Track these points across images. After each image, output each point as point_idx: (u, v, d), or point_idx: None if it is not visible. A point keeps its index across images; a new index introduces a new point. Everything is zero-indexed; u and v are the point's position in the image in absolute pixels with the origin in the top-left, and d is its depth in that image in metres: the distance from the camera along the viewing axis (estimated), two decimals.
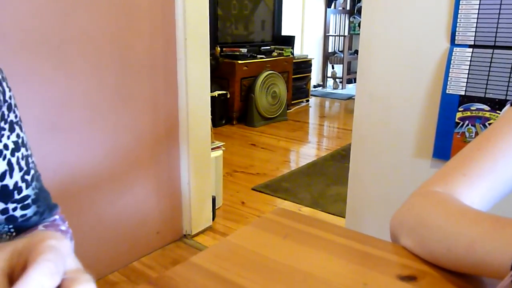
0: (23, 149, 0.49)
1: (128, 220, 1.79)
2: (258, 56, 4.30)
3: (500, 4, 1.04)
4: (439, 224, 0.48)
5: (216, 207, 2.27)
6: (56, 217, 0.57)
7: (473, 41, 1.10)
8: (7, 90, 0.47)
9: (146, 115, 1.78)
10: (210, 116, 2.05)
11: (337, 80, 6.28)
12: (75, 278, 0.27)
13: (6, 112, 0.47)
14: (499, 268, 0.39)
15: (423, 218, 0.51)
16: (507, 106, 0.55)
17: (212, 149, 2.15)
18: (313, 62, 5.30)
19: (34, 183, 0.51)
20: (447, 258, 0.46)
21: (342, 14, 6.51)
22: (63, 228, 0.56)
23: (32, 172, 0.51)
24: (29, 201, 0.50)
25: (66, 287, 0.26)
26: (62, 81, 1.47)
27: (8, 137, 0.47)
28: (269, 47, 4.62)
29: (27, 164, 0.50)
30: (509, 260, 0.38)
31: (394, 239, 0.56)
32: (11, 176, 0.48)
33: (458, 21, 1.10)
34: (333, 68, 6.36)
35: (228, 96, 4.05)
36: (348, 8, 6.54)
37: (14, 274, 0.27)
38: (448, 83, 1.14)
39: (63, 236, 0.30)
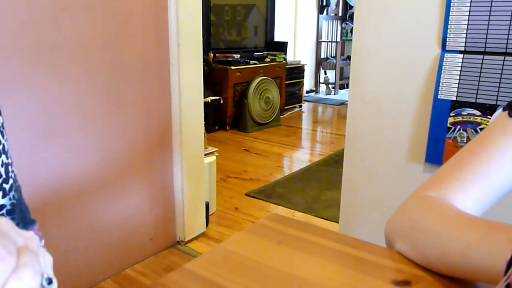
0: (3, 156, 0.47)
1: (121, 227, 1.78)
2: (251, 61, 4.31)
3: (490, 11, 1.06)
4: (433, 229, 0.48)
5: (210, 213, 2.26)
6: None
7: (463, 47, 1.11)
8: None
9: (138, 120, 1.77)
10: (203, 122, 2.05)
11: (329, 85, 6.31)
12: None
13: None
14: (493, 274, 0.39)
15: (417, 223, 0.51)
16: (499, 111, 0.55)
17: (205, 154, 2.14)
18: (305, 67, 5.32)
19: (12, 193, 0.48)
20: (442, 263, 0.46)
21: (334, 20, 6.55)
22: None
23: (11, 181, 0.48)
24: (3, 211, 0.47)
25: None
26: (54, 87, 1.46)
27: None
28: (262, 53, 4.64)
29: (6, 172, 0.47)
30: (502, 266, 0.38)
31: (389, 243, 0.56)
32: None
33: (449, 27, 1.12)
34: (325, 73, 6.39)
35: (221, 101, 4.05)
36: (340, 14, 6.59)
37: None
38: (440, 89, 1.15)
39: (32, 235, 0.28)
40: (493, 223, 0.43)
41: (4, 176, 0.47)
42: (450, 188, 0.52)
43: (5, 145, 0.47)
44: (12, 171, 0.49)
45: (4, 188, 0.47)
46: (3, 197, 0.47)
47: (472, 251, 0.42)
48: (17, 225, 0.49)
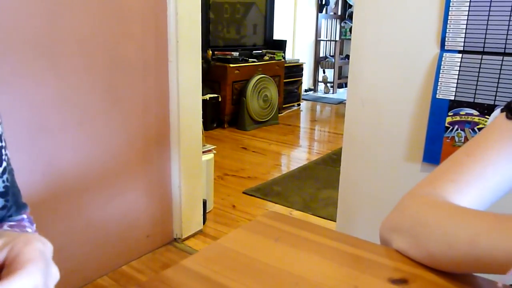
0: None
1: (117, 224, 1.78)
2: (249, 59, 4.31)
3: (489, 11, 1.06)
4: (438, 222, 0.47)
5: (207, 211, 2.26)
6: (24, 216, 0.54)
7: (462, 47, 1.11)
8: None
9: (136, 117, 1.77)
10: (201, 119, 2.05)
11: (328, 84, 6.31)
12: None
13: None
14: (506, 261, 0.38)
15: (419, 219, 0.50)
16: (497, 112, 0.55)
17: (203, 152, 2.14)
18: (304, 66, 5.32)
19: (5, 176, 0.49)
20: (447, 256, 0.45)
21: (333, 19, 6.55)
22: (29, 230, 0.52)
23: (4, 164, 0.48)
24: None
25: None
26: (52, 82, 1.45)
27: None
28: (260, 51, 4.63)
29: (0, 155, 0.48)
30: None
31: (384, 244, 0.56)
32: None
33: (448, 27, 1.12)
34: (324, 72, 6.39)
35: (220, 99, 4.05)
36: (339, 13, 6.59)
37: None
38: (438, 88, 1.15)
39: (46, 240, 0.29)
40: (498, 214, 0.42)
41: None
42: (445, 190, 0.52)
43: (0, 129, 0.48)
44: (6, 154, 0.49)
45: None
46: None
47: (482, 239, 0.41)
48: (11, 207, 0.50)
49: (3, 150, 0.49)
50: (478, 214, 0.45)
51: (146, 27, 1.73)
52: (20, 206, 0.53)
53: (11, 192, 0.50)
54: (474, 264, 0.42)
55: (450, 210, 0.48)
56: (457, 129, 1.14)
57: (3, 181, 0.48)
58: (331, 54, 6.47)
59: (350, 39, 1.33)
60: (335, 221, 1.48)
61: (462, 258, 0.43)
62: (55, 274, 0.29)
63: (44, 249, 0.27)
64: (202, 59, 1.98)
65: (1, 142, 0.48)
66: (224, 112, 4.10)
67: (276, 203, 2.50)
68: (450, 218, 0.46)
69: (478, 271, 0.44)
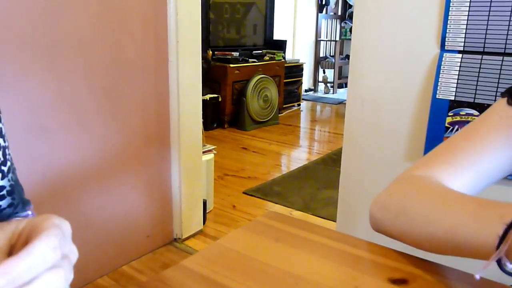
0: (1, 140, 0.48)
1: (117, 224, 1.78)
2: (250, 60, 4.31)
3: (489, 11, 1.06)
4: (420, 211, 0.48)
5: (207, 211, 2.26)
6: (29, 212, 0.55)
7: (462, 47, 1.11)
8: None
9: (136, 117, 1.77)
10: (201, 119, 2.05)
11: (328, 84, 6.31)
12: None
13: None
14: (484, 249, 0.39)
15: (404, 206, 0.51)
16: (499, 98, 0.56)
17: (203, 152, 2.14)
18: (304, 66, 5.32)
19: (10, 175, 0.50)
20: (430, 242, 0.46)
21: (333, 19, 6.55)
22: None
23: (8, 163, 0.50)
24: (4, 192, 0.49)
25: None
26: (52, 83, 1.45)
27: None
28: (261, 51, 4.63)
29: (4, 155, 0.49)
30: (494, 241, 0.38)
31: (374, 224, 0.56)
32: None
33: (448, 27, 1.12)
34: (324, 72, 6.39)
35: (220, 99, 4.05)
36: (339, 13, 6.59)
37: (14, 252, 0.27)
38: (438, 88, 1.15)
39: (64, 220, 0.31)
40: (482, 200, 0.43)
41: (2, 159, 0.48)
42: (440, 171, 0.53)
43: (2, 129, 0.49)
44: (9, 154, 0.50)
45: (3, 170, 0.48)
46: (2, 178, 0.48)
47: (461, 229, 0.42)
48: (17, 205, 0.51)
49: (6, 150, 0.49)
50: (458, 201, 0.45)
51: (146, 27, 1.73)
52: (24, 203, 0.54)
53: (17, 190, 0.52)
54: (455, 251, 0.43)
55: (433, 197, 0.48)
56: (457, 129, 1.14)
57: (9, 180, 0.50)
58: (331, 54, 6.47)
59: (350, 39, 1.33)
60: (335, 221, 1.48)
61: (444, 245, 0.44)
62: (75, 251, 0.31)
63: (60, 223, 0.29)
64: (202, 59, 1.98)
65: (5, 142, 0.49)
66: (224, 112, 4.10)
67: (276, 203, 2.50)
68: (432, 207, 0.47)
69: (460, 256, 0.44)
